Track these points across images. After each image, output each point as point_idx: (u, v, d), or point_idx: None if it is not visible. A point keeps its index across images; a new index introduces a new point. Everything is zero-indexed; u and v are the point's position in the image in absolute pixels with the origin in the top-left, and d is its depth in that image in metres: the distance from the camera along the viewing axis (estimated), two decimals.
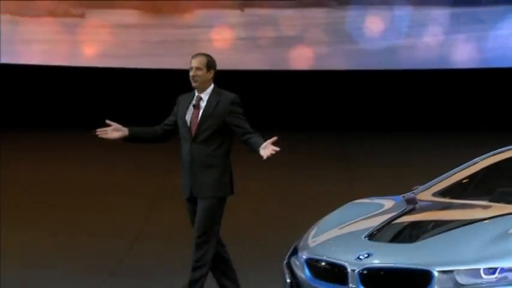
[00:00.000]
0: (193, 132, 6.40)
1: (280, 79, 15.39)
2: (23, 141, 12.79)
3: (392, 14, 15.93)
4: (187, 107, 6.45)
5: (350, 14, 16.01)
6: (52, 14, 15.63)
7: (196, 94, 6.46)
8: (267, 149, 6.27)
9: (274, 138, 6.28)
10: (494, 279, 4.98)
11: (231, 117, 6.41)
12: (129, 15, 15.51)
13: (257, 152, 6.31)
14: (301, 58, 16.02)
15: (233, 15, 15.88)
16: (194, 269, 6.35)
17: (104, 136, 6.43)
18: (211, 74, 6.48)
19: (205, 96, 6.45)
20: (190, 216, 6.52)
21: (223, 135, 6.41)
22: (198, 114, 6.42)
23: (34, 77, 14.83)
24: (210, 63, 6.48)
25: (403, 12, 15.92)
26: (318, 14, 15.98)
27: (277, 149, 6.27)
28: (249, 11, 15.87)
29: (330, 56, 15.96)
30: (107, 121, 6.43)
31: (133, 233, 8.24)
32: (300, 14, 15.91)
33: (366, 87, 15.22)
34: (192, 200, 6.45)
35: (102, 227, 8.99)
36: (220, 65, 16.34)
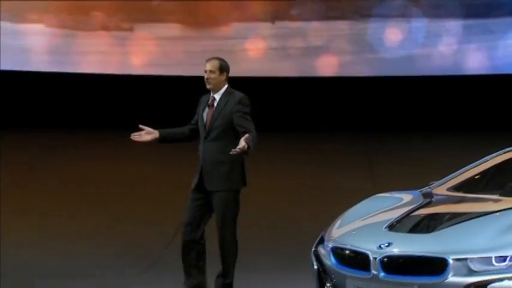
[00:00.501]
0: (206, 128, 6.38)
1: (308, 85, 15.33)
2: (81, 141, 12.87)
3: (409, 26, 15.78)
4: (205, 107, 6.43)
5: (371, 26, 15.88)
6: (105, 28, 15.69)
7: (212, 95, 6.41)
8: (241, 144, 6.12)
9: (246, 135, 6.13)
10: (504, 267, 4.96)
11: (236, 116, 6.35)
12: (172, 29, 15.52)
13: None
14: (327, 66, 15.92)
15: (265, 27, 15.82)
16: (226, 256, 6.32)
17: (137, 139, 6.41)
18: (224, 76, 6.41)
19: (218, 96, 6.40)
20: (190, 207, 6.43)
21: (234, 133, 6.30)
22: (211, 114, 6.39)
23: (90, 84, 14.92)
24: (223, 67, 6.43)
25: (420, 24, 15.78)
26: (342, 26, 15.86)
27: (240, 147, 6.07)
28: (279, 23, 15.79)
29: (353, 64, 15.90)
30: (140, 126, 6.41)
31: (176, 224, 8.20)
32: (326, 26, 15.86)
33: (386, 91, 15.11)
34: (198, 193, 6.38)
35: (149, 216, 9.00)
36: (254, 72, 16.55)
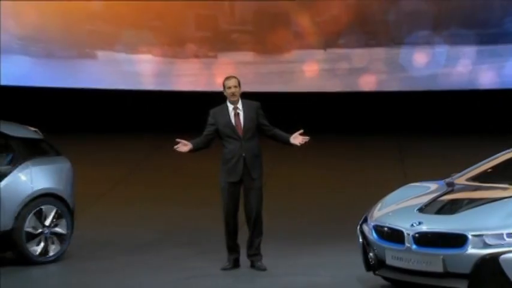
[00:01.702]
0: (240, 133, 6.13)
1: (352, 98, 15.19)
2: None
3: (433, 51, 15.59)
4: (229, 116, 6.17)
5: (402, 51, 15.72)
6: (196, 56, 15.76)
7: (232, 106, 6.16)
8: (297, 139, 6.11)
9: (301, 131, 6.14)
10: None
11: (261, 118, 6.19)
12: (246, 56, 15.55)
13: (288, 143, 6.15)
14: (367, 83, 15.80)
15: (318, 53, 15.71)
16: (258, 233, 6.14)
17: (178, 149, 6.21)
18: (241, 89, 6.20)
19: (240, 106, 6.17)
20: (231, 196, 6.17)
21: (258, 132, 6.18)
22: (241, 119, 6.15)
23: (184, 98, 14.95)
24: (239, 82, 6.24)
25: (441, 49, 15.60)
26: (379, 52, 15.73)
27: (307, 138, 6.12)
28: (329, 50, 15.67)
29: (387, 81, 15.74)
30: (177, 140, 6.22)
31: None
32: (366, 52, 15.68)
33: (414, 103, 14.97)
34: (237, 183, 6.15)
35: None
36: (310, 88, 16.39)
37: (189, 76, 15.78)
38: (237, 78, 6.26)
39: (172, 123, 13.99)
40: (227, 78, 6.30)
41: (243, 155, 6.10)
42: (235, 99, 6.16)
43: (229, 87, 6.15)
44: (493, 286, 4.91)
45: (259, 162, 6.20)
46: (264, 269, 6.07)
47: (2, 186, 6.22)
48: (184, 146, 6.19)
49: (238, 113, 6.15)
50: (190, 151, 6.22)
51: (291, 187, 9.54)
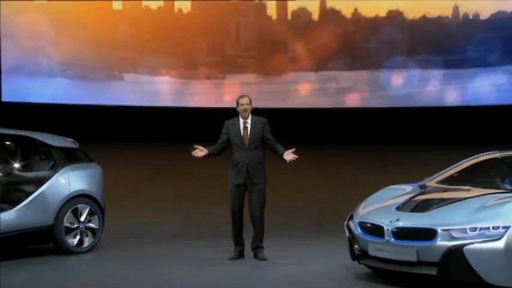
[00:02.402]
0: (247, 143, 6.09)
1: (340, 114, 15.15)
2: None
3: (408, 73, 15.57)
4: (239, 128, 6.13)
5: (382, 74, 15.64)
6: (207, 77, 15.69)
7: (243, 120, 6.14)
8: (289, 155, 6.04)
9: (293, 150, 6.07)
10: (475, 235, 4.85)
11: (265, 133, 6.13)
12: (249, 77, 15.52)
13: (282, 157, 6.09)
14: (353, 100, 15.74)
15: (311, 75, 15.66)
16: (260, 229, 6.09)
17: (196, 155, 6.16)
18: (251, 107, 6.19)
19: (249, 120, 6.14)
20: (236, 196, 6.13)
21: (262, 144, 6.13)
22: (248, 132, 6.11)
23: (196, 113, 14.92)
24: (251, 101, 6.23)
25: (415, 72, 15.58)
26: (362, 74, 15.68)
27: (297, 156, 6.06)
28: (320, 72, 15.65)
29: (370, 99, 15.69)
30: (195, 146, 6.17)
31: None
32: (351, 74, 15.66)
33: (393, 117, 14.93)
34: (242, 186, 6.10)
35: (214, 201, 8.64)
36: (303, 105, 16.32)
37: (201, 95, 15.73)
38: (249, 97, 6.23)
39: (186, 134, 13.89)
40: (241, 96, 6.25)
41: (247, 162, 6.05)
42: (247, 114, 6.13)
43: (242, 104, 6.13)
44: (458, 272, 4.83)
45: (262, 169, 6.12)
46: (265, 259, 6.03)
47: (45, 188, 6.22)
48: (200, 151, 6.15)
49: (247, 127, 6.12)
50: (205, 156, 6.17)
51: (289, 189, 9.49)
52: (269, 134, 6.15)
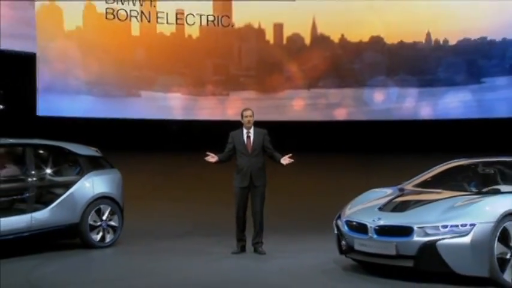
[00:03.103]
0: (250, 151, 6.06)
1: (329, 126, 15.15)
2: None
3: (387, 91, 15.71)
4: (243, 138, 6.11)
5: (365, 91, 15.79)
6: (213, 94, 15.81)
7: (246, 130, 6.12)
8: (285, 160, 6.02)
9: (290, 155, 6.06)
10: (446, 231, 4.81)
11: (266, 142, 6.10)
12: (250, 94, 15.64)
13: (279, 162, 6.07)
14: (340, 114, 15.81)
15: (303, 92, 15.81)
16: (260, 226, 6.06)
17: (209, 160, 6.12)
18: (254, 119, 6.16)
19: (251, 131, 6.11)
20: (241, 197, 6.08)
21: (263, 151, 6.10)
22: (251, 141, 6.09)
23: (204, 127, 14.89)
24: (253, 113, 6.19)
25: (393, 90, 15.72)
26: (348, 91, 15.85)
27: (292, 160, 6.04)
28: (312, 90, 15.80)
29: (355, 113, 15.77)
30: (207, 153, 6.12)
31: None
32: (339, 91, 15.82)
33: (375, 129, 14.95)
34: (245, 189, 6.07)
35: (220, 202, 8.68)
36: (297, 118, 16.32)
37: (208, 109, 15.79)
38: (252, 110, 6.20)
39: (195, 143, 13.83)
40: (245, 109, 6.19)
41: (250, 167, 6.03)
42: (250, 125, 6.10)
43: (246, 116, 6.10)
44: (431, 264, 4.80)
45: (263, 173, 6.08)
46: (264, 253, 6.00)
47: (72, 191, 6.22)
48: (212, 158, 6.11)
49: (249, 136, 6.09)
50: (216, 162, 6.12)
51: (285, 193, 9.47)
52: (269, 143, 6.13)
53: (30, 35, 14.34)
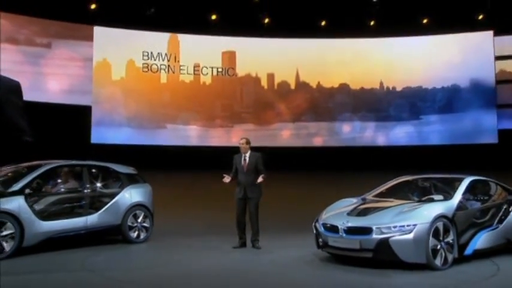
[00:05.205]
0: (245, 170, 5.95)
1: (309, 150, 15.24)
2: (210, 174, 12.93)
3: (353, 124, 15.90)
4: (241, 160, 6.01)
5: (336, 124, 15.97)
6: (221, 126, 15.82)
7: (243, 154, 6.02)
8: (257, 180, 5.87)
9: (263, 175, 5.85)
10: (396, 230, 4.81)
11: (258, 163, 5.95)
12: (249, 126, 15.82)
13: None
14: (317, 141, 15.91)
15: (290, 125, 16.00)
16: (256, 232, 5.96)
17: (224, 181, 5.99)
18: (249, 146, 6.05)
19: (247, 155, 6.01)
20: (239, 206, 5.94)
21: (257, 171, 5.95)
22: (246, 163, 5.98)
23: (214, 151, 14.76)
24: (249, 141, 6.07)
25: (357, 123, 15.94)
26: (324, 124, 16.02)
27: (262, 180, 5.83)
28: (296, 123, 16.01)
29: (329, 141, 15.89)
30: (223, 174, 5.94)
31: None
32: (316, 124, 16.01)
33: (343, 153, 15.04)
34: (242, 199, 5.96)
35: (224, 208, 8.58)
36: (285, 144, 16.35)
37: (217, 138, 15.90)
38: (247, 139, 6.06)
39: (207, 164, 13.77)
40: (241, 138, 6.13)
41: (245, 183, 5.94)
42: (244, 151, 5.99)
43: (241, 144, 6.04)
44: (385, 255, 4.79)
45: (256, 188, 5.95)
46: (259, 248, 5.92)
47: (116, 200, 6.22)
48: (227, 178, 5.94)
49: (245, 159, 5.99)
50: (230, 181, 5.96)
51: (276, 202, 9.41)
52: (261, 164, 5.97)
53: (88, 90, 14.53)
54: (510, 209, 5.59)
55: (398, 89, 16.15)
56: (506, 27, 14.93)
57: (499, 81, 15.48)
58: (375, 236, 4.85)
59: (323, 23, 15.89)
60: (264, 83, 16.34)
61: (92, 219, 5.99)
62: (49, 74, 14.12)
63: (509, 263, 5.13)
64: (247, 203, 5.98)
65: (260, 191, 6.05)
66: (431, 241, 4.83)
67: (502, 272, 4.82)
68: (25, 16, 13.60)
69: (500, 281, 4.59)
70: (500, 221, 5.47)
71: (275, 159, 13.44)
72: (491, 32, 15.36)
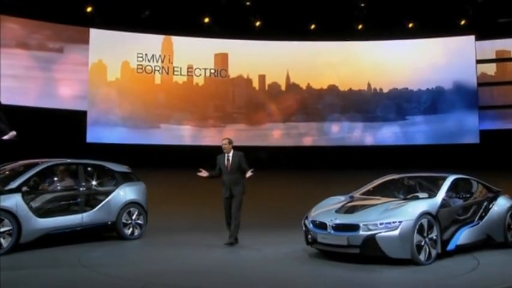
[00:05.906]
0: (228, 169, 5.89)
1: (299, 150, 15.26)
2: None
3: (341, 124, 15.90)
4: (224, 160, 5.93)
5: (325, 124, 15.98)
6: (213, 126, 15.83)
7: (226, 154, 5.93)
8: (248, 174, 5.79)
9: (252, 169, 5.78)
10: (382, 227, 4.85)
11: (242, 162, 5.85)
12: (241, 126, 15.80)
13: (245, 176, 5.85)
14: (308, 141, 15.91)
15: (280, 125, 15.98)
16: (236, 228, 5.88)
17: (199, 175, 5.92)
18: (231, 145, 5.94)
19: (230, 155, 5.92)
20: (226, 205, 5.91)
21: (240, 170, 5.87)
22: (230, 163, 5.91)
23: (207, 151, 14.31)
24: (231, 141, 5.96)
25: (345, 124, 15.92)
26: (313, 124, 16.01)
27: (252, 174, 5.76)
28: (287, 123, 15.98)
29: (318, 140, 15.88)
30: (200, 169, 5.87)
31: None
32: (306, 124, 16.00)
33: (332, 152, 15.07)
34: (229, 198, 5.89)
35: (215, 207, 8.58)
36: (276, 144, 16.35)
37: (210, 137, 15.79)
38: (229, 139, 5.91)
39: (200, 163, 13.83)
40: (223, 138, 6.01)
41: (229, 182, 5.86)
42: (226, 151, 5.88)
43: (224, 144, 5.91)
44: (372, 251, 4.82)
45: (240, 186, 5.88)
46: (233, 244, 5.73)
47: (110, 197, 6.19)
48: (204, 173, 5.88)
49: (229, 159, 5.89)
50: (207, 177, 5.89)
51: (266, 199, 9.41)
52: (244, 163, 5.86)
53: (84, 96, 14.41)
54: (490, 206, 5.67)
55: (385, 90, 16.27)
56: (487, 33, 15.12)
57: (480, 84, 15.71)
58: (362, 232, 4.86)
59: (313, 27, 15.96)
60: (256, 84, 16.35)
61: (87, 216, 5.96)
62: (60, 80, 14.09)
63: (489, 258, 5.21)
64: (232, 201, 5.91)
65: (244, 188, 5.95)
66: (416, 237, 4.87)
67: (481, 267, 4.90)
68: (35, 21, 13.59)
69: (480, 274, 4.67)
70: (481, 218, 5.55)
71: (268, 158, 13.63)
72: (472, 37, 15.57)
